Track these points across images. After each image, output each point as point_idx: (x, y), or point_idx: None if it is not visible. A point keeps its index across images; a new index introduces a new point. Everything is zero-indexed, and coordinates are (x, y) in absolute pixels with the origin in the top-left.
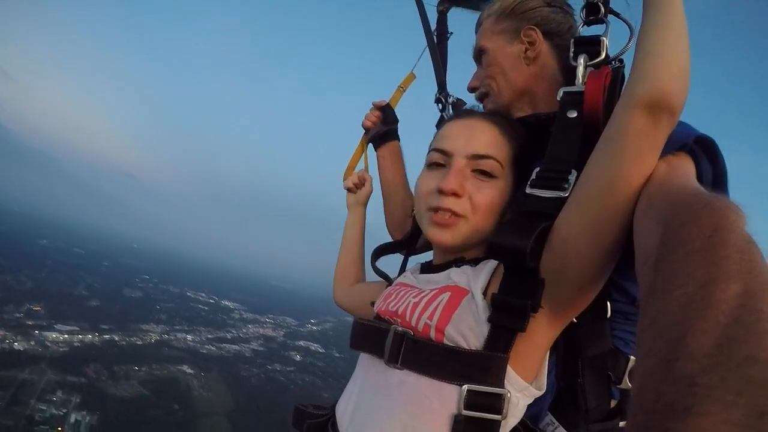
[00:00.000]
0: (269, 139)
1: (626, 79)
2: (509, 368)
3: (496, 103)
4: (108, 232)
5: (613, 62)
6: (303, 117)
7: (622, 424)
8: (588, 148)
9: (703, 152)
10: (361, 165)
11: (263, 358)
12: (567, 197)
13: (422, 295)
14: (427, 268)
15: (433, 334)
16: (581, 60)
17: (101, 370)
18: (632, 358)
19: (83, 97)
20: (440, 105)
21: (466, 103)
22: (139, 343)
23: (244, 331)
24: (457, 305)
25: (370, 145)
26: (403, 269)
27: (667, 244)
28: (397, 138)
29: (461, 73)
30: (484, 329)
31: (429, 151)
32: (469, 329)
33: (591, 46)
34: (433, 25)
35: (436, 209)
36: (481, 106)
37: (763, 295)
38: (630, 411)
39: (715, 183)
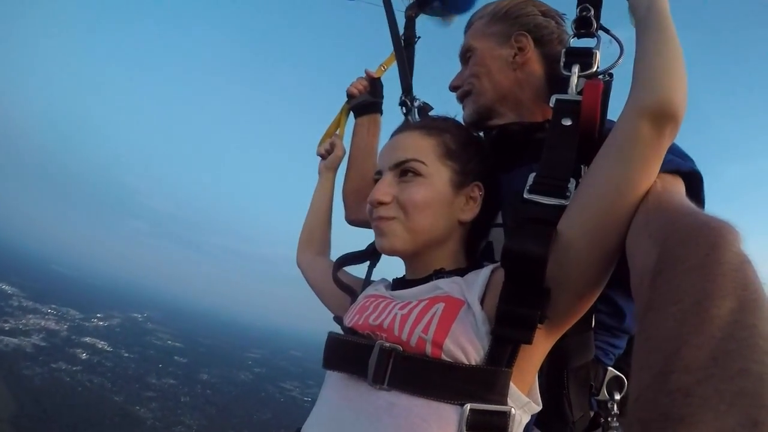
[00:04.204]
0: (81, 103)
1: (610, 93)
2: (510, 383)
3: (477, 102)
4: None
5: (602, 75)
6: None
7: None
8: (579, 157)
9: (690, 186)
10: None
11: (46, 355)
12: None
13: (411, 306)
14: (401, 283)
15: (428, 349)
16: (575, 69)
17: None
18: (610, 368)
19: None
20: (404, 108)
21: (433, 108)
22: None
23: (24, 321)
24: (454, 316)
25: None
26: (367, 281)
27: (665, 262)
28: (381, 112)
29: (430, 78)
30: (485, 342)
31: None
32: (468, 342)
33: (584, 57)
34: (401, 30)
35: (374, 221)
36: (460, 109)
37: (756, 312)
38: (627, 422)
39: None
